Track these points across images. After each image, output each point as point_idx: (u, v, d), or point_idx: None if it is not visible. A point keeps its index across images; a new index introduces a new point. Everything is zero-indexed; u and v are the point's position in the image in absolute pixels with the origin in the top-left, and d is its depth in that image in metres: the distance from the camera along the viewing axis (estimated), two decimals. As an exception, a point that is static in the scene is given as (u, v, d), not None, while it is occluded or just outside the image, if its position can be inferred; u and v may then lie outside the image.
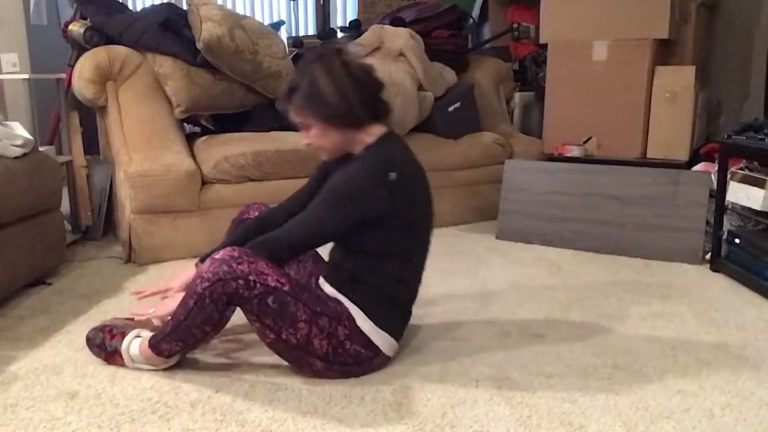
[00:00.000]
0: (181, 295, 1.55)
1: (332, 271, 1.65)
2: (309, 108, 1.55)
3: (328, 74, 1.52)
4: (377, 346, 1.57)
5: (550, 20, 3.42)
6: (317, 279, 1.71)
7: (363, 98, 1.55)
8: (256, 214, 1.84)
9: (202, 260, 1.65)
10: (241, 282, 1.43)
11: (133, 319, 1.78)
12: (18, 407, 1.45)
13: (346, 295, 1.57)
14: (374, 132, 1.59)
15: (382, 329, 1.57)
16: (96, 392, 1.52)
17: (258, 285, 1.44)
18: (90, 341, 1.68)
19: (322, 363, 1.54)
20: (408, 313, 1.68)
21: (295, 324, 1.48)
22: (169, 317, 1.54)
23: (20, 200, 2.09)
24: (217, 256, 1.45)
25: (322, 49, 1.60)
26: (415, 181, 1.58)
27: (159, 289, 1.76)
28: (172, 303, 1.59)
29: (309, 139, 1.60)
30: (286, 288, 1.47)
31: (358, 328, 1.55)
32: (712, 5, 3.70)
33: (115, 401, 1.47)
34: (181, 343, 1.54)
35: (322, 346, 1.52)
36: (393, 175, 1.51)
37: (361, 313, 1.55)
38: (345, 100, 1.52)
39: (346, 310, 1.55)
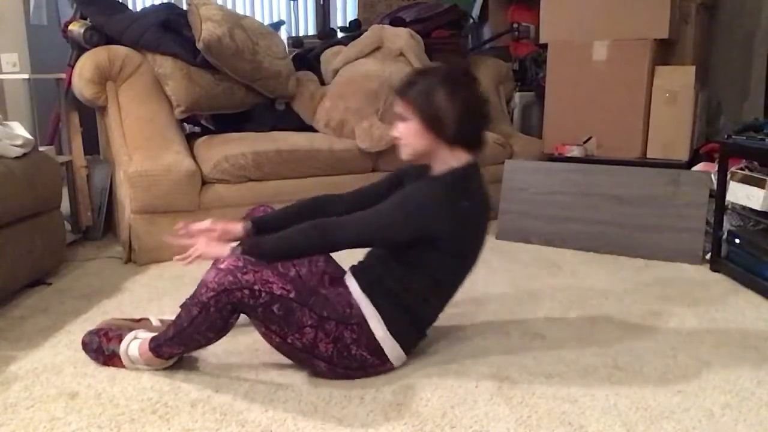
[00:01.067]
0: (225, 246, 1.56)
1: (364, 269, 1.65)
2: (419, 104, 1.56)
3: (452, 86, 1.54)
4: (385, 355, 1.58)
5: (550, 20, 3.42)
6: (331, 278, 1.72)
7: (469, 122, 1.57)
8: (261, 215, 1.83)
9: (242, 248, 1.57)
10: (246, 291, 1.43)
11: (132, 320, 1.78)
12: (18, 407, 1.45)
13: (369, 297, 1.58)
14: (461, 158, 1.59)
15: (395, 339, 1.58)
16: (96, 392, 1.52)
17: (263, 294, 1.44)
18: (86, 346, 1.67)
19: (326, 365, 1.55)
20: (423, 334, 1.68)
21: (300, 329, 1.49)
22: (171, 321, 1.55)
23: (20, 200, 2.09)
24: (221, 266, 1.45)
25: (456, 65, 1.66)
26: (479, 218, 1.60)
27: (202, 228, 1.70)
28: (218, 249, 1.56)
29: (399, 132, 1.61)
30: (291, 295, 1.48)
31: (371, 332, 1.55)
32: (712, 5, 3.70)
33: (115, 401, 1.47)
34: (183, 347, 1.55)
35: (327, 349, 1.52)
36: (465, 205, 1.54)
37: (379, 317, 1.56)
38: (454, 113, 1.54)
39: (361, 312, 1.56)
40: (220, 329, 1.48)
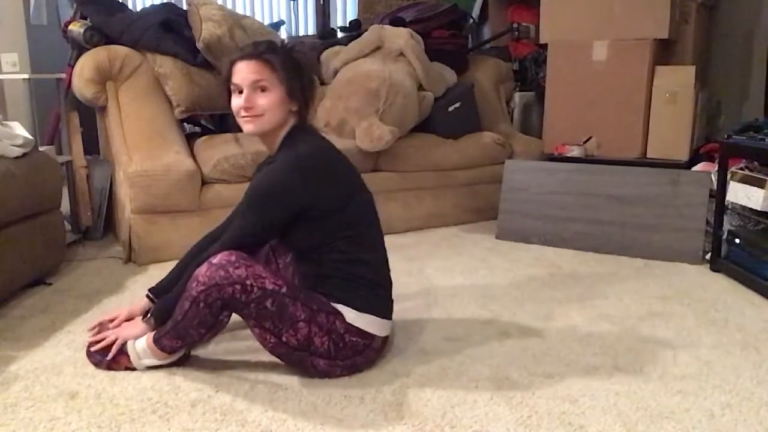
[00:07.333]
0: (137, 323, 1.63)
1: (301, 279, 1.65)
2: (288, 74, 1.54)
3: (297, 55, 1.60)
4: (368, 332, 1.57)
5: (550, 20, 3.41)
6: (303, 276, 1.72)
7: (312, 89, 1.66)
8: None
9: (153, 293, 1.71)
10: (237, 287, 1.43)
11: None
12: (18, 407, 1.45)
13: (318, 292, 1.57)
14: (289, 123, 1.60)
15: (364, 312, 1.56)
16: (96, 392, 1.52)
17: (255, 289, 1.44)
18: (92, 354, 1.66)
19: (326, 361, 1.54)
20: (385, 289, 1.64)
21: (294, 325, 1.49)
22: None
23: (20, 200, 2.09)
24: (214, 261, 1.45)
25: (290, 43, 1.70)
26: (330, 165, 1.59)
27: (108, 317, 1.74)
28: (133, 327, 1.63)
29: (254, 102, 1.53)
30: (283, 290, 1.48)
31: (344, 318, 1.55)
32: (712, 5, 3.70)
33: (115, 401, 1.47)
34: (180, 341, 1.55)
35: (323, 343, 1.52)
36: (307, 166, 1.53)
37: (341, 305, 1.55)
38: (314, 87, 1.63)
39: (333, 307, 1.56)
40: (210, 326, 1.48)
